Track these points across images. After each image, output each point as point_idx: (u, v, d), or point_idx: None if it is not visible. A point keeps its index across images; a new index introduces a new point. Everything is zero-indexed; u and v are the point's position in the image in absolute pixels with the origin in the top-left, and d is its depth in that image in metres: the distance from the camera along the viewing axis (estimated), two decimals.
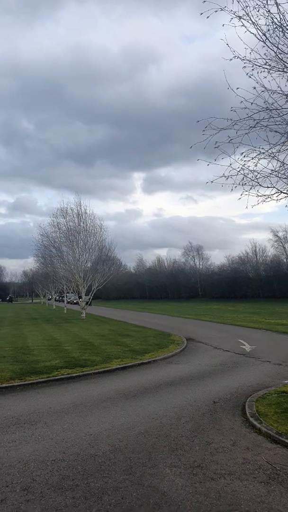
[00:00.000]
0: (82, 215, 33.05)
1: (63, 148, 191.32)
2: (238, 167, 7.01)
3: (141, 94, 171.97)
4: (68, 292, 50.59)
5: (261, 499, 4.34)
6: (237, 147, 6.89)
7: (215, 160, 6.82)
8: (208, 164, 6.82)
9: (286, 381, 9.75)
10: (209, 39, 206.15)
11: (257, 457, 5.45)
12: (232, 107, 6.60)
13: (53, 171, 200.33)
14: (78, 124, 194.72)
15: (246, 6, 6.21)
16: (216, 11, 6.14)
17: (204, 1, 6.11)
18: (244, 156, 6.97)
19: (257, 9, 6.20)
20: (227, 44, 6.31)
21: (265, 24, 6.28)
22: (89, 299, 37.84)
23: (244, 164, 7.00)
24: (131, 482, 4.77)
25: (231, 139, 6.80)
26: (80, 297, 34.27)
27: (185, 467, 5.15)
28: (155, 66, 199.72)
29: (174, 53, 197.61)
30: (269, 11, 6.15)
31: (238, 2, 6.22)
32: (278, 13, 6.14)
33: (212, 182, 7.03)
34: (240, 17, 6.26)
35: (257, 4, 6.20)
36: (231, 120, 6.67)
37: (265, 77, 6.51)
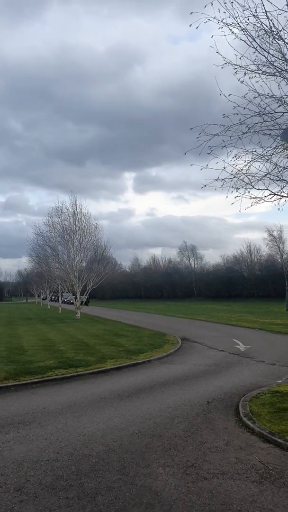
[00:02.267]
0: (77, 214, 33.06)
1: (53, 148, 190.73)
2: (232, 170, 7.06)
3: (128, 94, 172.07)
4: (63, 292, 50.47)
5: (253, 498, 4.38)
6: (231, 150, 6.95)
7: (207, 165, 6.88)
8: (201, 169, 6.87)
9: (279, 381, 9.82)
10: (194, 40, 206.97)
11: (250, 456, 5.49)
12: (224, 114, 6.63)
13: (44, 170, 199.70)
14: (68, 124, 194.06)
15: (236, 16, 6.25)
16: (205, 22, 6.19)
17: (191, 13, 6.16)
18: (237, 159, 7.02)
19: (247, 17, 6.24)
20: (218, 52, 6.37)
21: (255, 30, 6.33)
22: (86, 298, 37.61)
23: (237, 167, 7.05)
24: (124, 482, 4.80)
25: (224, 145, 6.84)
26: (75, 297, 34.19)
27: (178, 467, 5.18)
28: (142, 66, 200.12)
29: (160, 53, 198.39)
30: (257, 16, 6.18)
31: (225, 12, 6.24)
32: (266, 18, 6.18)
33: (205, 186, 7.09)
34: (229, 25, 6.30)
35: (244, 11, 6.23)
36: (224, 126, 6.71)
37: (257, 82, 6.55)
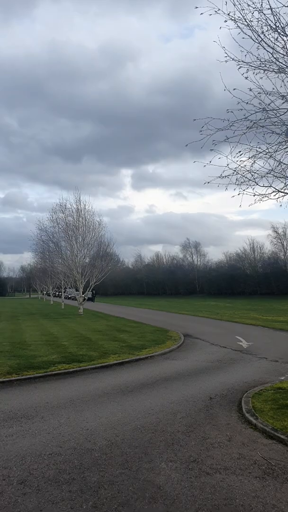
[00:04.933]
0: (81, 211, 33.03)
1: (49, 144, 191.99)
2: (235, 167, 7.02)
3: (122, 91, 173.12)
4: (67, 287, 50.52)
5: (256, 493, 4.38)
6: (234, 147, 6.90)
7: (211, 161, 6.83)
8: (204, 166, 6.81)
9: (282, 378, 9.81)
10: (185, 39, 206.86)
11: (253, 452, 5.50)
12: (228, 109, 6.57)
13: (41, 167, 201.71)
14: (62, 121, 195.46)
15: (242, 9, 6.21)
16: (210, 14, 6.17)
17: (196, 7, 6.18)
18: (241, 155, 6.97)
19: (252, 12, 6.19)
20: (224, 47, 6.33)
21: (260, 26, 6.28)
22: (92, 294, 37.13)
23: (241, 164, 7.00)
24: (127, 476, 4.81)
25: (227, 138, 6.79)
26: (79, 293, 34.17)
27: (181, 462, 5.19)
28: (134, 64, 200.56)
29: (151, 51, 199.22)
30: (261, 11, 6.13)
31: (234, 5, 6.20)
32: (271, 14, 6.13)
33: (208, 182, 7.06)
34: (236, 20, 6.26)
35: (250, 6, 6.18)
36: (228, 120, 6.66)
37: (261, 78, 6.51)
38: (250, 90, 6.46)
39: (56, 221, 34.32)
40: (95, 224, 33.87)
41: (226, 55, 6.45)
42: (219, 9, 6.16)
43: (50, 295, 69.64)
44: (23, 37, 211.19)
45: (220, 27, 6.27)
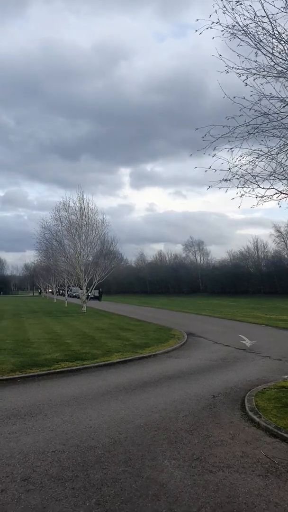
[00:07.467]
0: (84, 209, 33.05)
1: (47, 143, 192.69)
2: (237, 171, 7.02)
3: (118, 90, 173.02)
4: (70, 286, 50.57)
5: (259, 492, 4.38)
6: (235, 147, 6.89)
7: (210, 167, 6.85)
8: (205, 171, 6.82)
9: (285, 376, 9.79)
10: (179, 38, 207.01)
11: (256, 450, 5.49)
12: (227, 116, 6.59)
13: (40, 165, 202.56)
14: (60, 120, 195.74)
15: (235, 17, 6.23)
16: (207, 28, 6.23)
17: (197, 20, 6.27)
18: (243, 158, 6.97)
19: (249, 20, 6.20)
20: (223, 59, 6.36)
21: (257, 33, 6.27)
22: (99, 293, 36.95)
23: (242, 167, 7.00)
24: (130, 474, 4.82)
25: (228, 142, 6.80)
26: (84, 291, 34.18)
27: (184, 459, 5.19)
28: (129, 62, 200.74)
29: (146, 50, 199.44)
30: (260, 22, 6.14)
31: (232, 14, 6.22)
32: (269, 23, 6.13)
33: (210, 187, 7.09)
34: (229, 28, 6.28)
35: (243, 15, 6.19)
36: (229, 127, 6.65)
37: (261, 84, 6.51)
38: (250, 96, 6.47)
39: (60, 220, 34.41)
40: (98, 223, 33.94)
41: (226, 64, 6.47)
42: (217, 22, 6.20)
43: (53, 293, 69.75)
44: (17, 36, 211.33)
45: (213, 37, 6.32)
